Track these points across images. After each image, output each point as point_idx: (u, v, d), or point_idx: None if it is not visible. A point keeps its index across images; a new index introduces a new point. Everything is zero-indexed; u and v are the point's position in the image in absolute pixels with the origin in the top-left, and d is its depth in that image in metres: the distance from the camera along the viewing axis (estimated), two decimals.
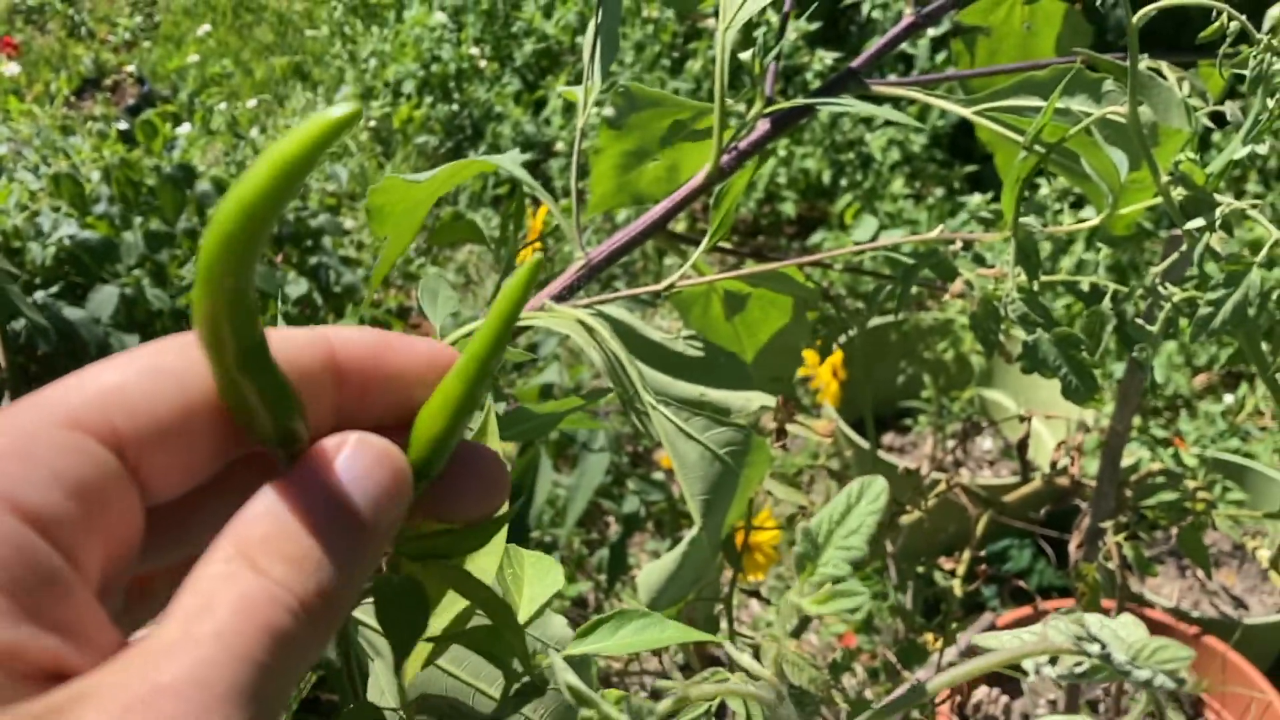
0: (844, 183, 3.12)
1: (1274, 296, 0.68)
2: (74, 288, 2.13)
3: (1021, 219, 0.64)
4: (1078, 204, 2.70)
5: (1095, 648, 0.21)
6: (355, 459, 0.27)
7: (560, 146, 3.54)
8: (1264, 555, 0.89)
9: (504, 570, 0.32)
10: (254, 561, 0.25)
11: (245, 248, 0.24)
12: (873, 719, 0.21)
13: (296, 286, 2.34)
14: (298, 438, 0.27)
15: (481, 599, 0.30)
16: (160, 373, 0.26)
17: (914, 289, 0.74)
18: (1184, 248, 0.64)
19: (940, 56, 3.08)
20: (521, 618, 0.31)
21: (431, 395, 0.29)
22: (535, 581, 0.33)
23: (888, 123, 3.15)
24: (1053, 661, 0.22)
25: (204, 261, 0.24)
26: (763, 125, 0.72)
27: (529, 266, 0.28)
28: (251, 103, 4.21)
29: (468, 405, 0.28)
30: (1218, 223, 0.57)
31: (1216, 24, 0.55)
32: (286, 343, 0.27)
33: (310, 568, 0.25)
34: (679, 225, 0.71)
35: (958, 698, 1.34)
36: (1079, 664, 0.21)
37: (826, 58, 3.10)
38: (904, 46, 3.14)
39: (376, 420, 0.29)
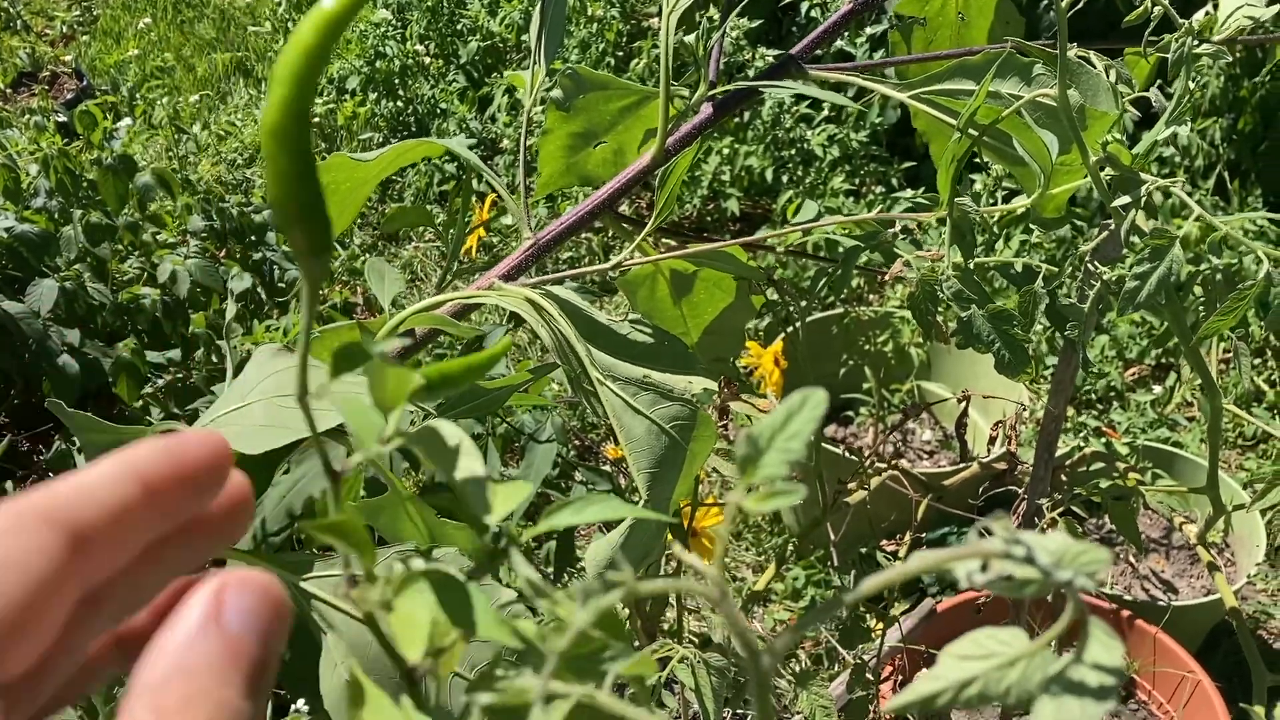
0: (786, 179, 3.16)
1: (1199, 280, 0.71)
2: (11, 281, 2.10)
3: (956, 200, 0.66)
4: (1009, 197, 2.76)
5: (1020, 550, 0.23)
6: (240, 599, 0.27)
7: (506, 144, 3.54)
8: (1191, 530, 0.93)
9: None
10: None
11: (320, 58, 0.30)
12: (804, 622, 0.23)
13: (240, 281, 2.32)
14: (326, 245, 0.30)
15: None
16: (4, 565, 0.25)
17: (853, 281, 0.76)
18: (1113, 227, 0.67)
19: (879, 54, 3.13)
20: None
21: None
22: (506, 498, 0.33)
23: (827, 120, 3.19)
24: (984, 569, 0.23)
25: (285, 67, 0.29)
26: (706, 109, 0.74)
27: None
28: (193, 98, 4.17)
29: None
30: (1143, 200, 0.60)
31: (1141, 9, 0.57)
32: (93, 497, 0.27)
33: (231, 715, 0.25)
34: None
35: (899, 678, 1.36)
36: (1007, 574, 0.23)
37: (769, 55, 3.13)
38: (844, 45, 3.18)
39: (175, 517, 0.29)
